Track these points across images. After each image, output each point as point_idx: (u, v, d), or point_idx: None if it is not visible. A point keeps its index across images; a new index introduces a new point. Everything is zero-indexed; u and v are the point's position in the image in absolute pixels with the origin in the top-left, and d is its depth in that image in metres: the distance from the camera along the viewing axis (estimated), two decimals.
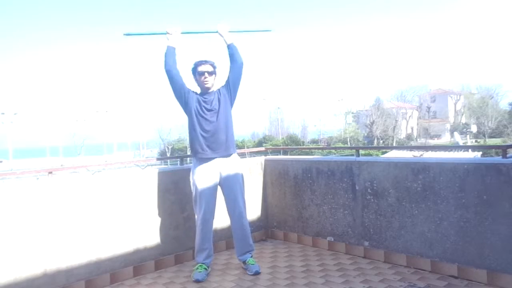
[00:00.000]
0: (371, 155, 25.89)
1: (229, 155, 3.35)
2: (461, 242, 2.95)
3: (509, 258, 2.73)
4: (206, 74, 3.31)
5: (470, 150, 18.62)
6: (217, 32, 3.42)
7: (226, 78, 3.41)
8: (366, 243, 3.51)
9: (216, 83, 3.40)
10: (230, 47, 3.39)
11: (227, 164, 3.34)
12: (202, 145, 3.26)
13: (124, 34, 3.32)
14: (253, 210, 4.20)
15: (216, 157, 3.29)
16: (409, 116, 58.73)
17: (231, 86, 3.39)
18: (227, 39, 3.40)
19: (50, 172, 3.15)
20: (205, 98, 3.33)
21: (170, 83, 3.32)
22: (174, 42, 3.34)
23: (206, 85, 3.33)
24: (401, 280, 2.97)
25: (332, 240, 3.77)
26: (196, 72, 3.35)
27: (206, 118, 3.27)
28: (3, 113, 50.57)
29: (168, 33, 3.34)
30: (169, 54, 3.31)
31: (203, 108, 3.29)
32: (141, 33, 3.48)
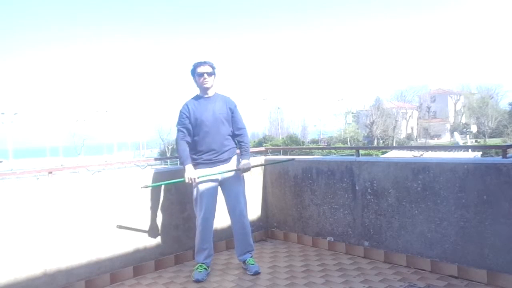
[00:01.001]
0: (371, 155, 25.89)
1: (228, 161, 3.37)
2: (461, 242, 2.95)
3: (509, 258, 2.73)
4: (206, 75, 3.33)
5: (470, 150, 18.60)
6: (239, 170, 3.36)
7: (236, 117, 3.43)
8: (366, 243, 3.51)
9: (215, 83, 3.41)
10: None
11: (227, 164, 3.35)
12: (202, 155, 3.30)
13: (141, 187, 3.29)
14: (253, 210, 4.20)
15: (217, 165, 3.32)
16: (409, 116, 58.75)
17: (232, 115, 3.43)
18: (246, 166, 3.37)
19: (50, 172, 3.15)
20: (205, 99, 3.34)
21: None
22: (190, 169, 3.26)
23: (206, 85, 3.35)
24: (401, 280, 2.97)
25: (332, 240, 3.77)
26: (195, 73, 3.37)
27: (207, 130, 3.29)
28: (3, 113, 50.64)
29: (185, 181, 3.23)
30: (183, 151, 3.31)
31: (205, 120, 3.30)
32: (158, 183, 3.40)
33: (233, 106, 3.42)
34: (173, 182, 3.35)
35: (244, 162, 3.35)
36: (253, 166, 3.51)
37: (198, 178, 3.23)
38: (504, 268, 2.75)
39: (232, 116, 3.40)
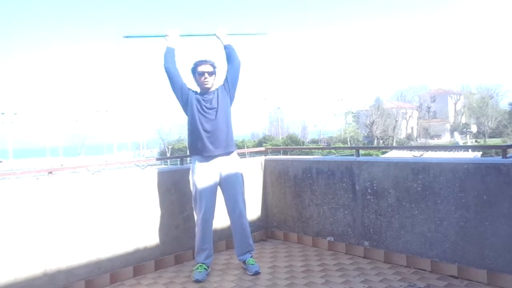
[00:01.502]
0: (371, 155, 25.89)
1: (229, 153, 3.35)
2: (461, 242, 2.95)
3: (509, 258, 2.73)
4: (206, 75, 3.31)
5: (470, 150, 18.61)
6: (214, 35, 3.45)
7: (224, 78, 3.43)
8: (366, 243, 3.51)
9: (215, 83, 3.40)
10: (227, 48, 3.42)
11: (227, 163, 3.35)
12: (203, 143, 3.27)
13: (123, 37, 3.38)
14: (253, 210, 4.20)
15: (217, 155, 3.29)
16: (409, 116, 58.74)
17: (230, 86, 3.41)
18: (224, 40, 3.42)
19: (50, 172, 3.15)
20: (204, 97, 3.33)
21: (170, 83, 3.33)
22: (173, 44, 3.36)
23: (206, 85, 3.34)
24: (401, 280, 2.97)
25: (332, 240, 3.77)
26: (196, 72, 3.35)
27: (206, 116, 3.28)
28: (3, 113, 50.65)
29: (167, 36, 3.37)
30: (168, 54, 3.33)
31: (203, 107, 3.29)
32: (140, 35, 3.53)
33: (224, 79, 3.44)
34: (155, 36, 3.46)
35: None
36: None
37: (178, 35, 3.38)
38: (504, 268, 2.75)
39: (225, 78, 3.43)
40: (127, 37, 3.40)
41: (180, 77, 3.33)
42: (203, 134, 3.26)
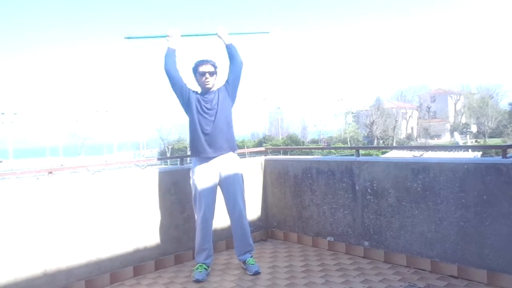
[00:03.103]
0: (371, 155, 25.88)
1: (229, 153, 3.35)
2: (461, 242, 2.95)
3: (509, 258, 2.73)
4: (207, 75, 3.31)
5: (470, 150, 18.62)
6: (216, 34, 3.42)
7: (226, 78, 3.42)
8: (366, 243, 3.51)
9: (216, 83, 3.40)
10: (229, 47, 3.40)
11: (227, 163, 3.34)
12: (203, 144, 3.26)
13: (124, 38, 3.37)
14: (253, 210, 4.20)
15: (217, 156, 3.29)
16: (409, 116, 58.73)
17: (231, 86, 3.39)
18: (226, 40, 3.40)
19: (50, 172, 3.15)
20: (205, 97, 3.33)
21: (170, 83, 3.32)
22: (174, 44, 3.35)
23: (207, 86, 3.33)
24: (401, 280, 2.97)
25: (332, 240, 3.77)
26: (197, 72, 3.35)
27: (207, 117, 3.27)
28: (3, 113, 50.64)
29: (168, 36, 3.36)
30: (169, 55, 3.32)
31: (204, 107, 3.29)
32: (141, 36, 3.53)
33: (226, 80, 3.42)
34: (156, 37, 3.45)
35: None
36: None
37: (179, 35, 3.35)
38: (504, 268, 2.75)
39: (227, 79, 3.41)
40: (128, 38, 3.40)
41: (180, 78, 3.33)
42: (202, 136, 3.27)
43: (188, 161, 3.92)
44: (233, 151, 3.41)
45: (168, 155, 43.58)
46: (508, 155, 2.96)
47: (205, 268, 3.27)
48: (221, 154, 3.30)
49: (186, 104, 3.33)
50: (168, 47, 3.34)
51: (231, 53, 3.39)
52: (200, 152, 3.28)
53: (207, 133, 3.27)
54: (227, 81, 3.41)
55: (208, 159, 3.30)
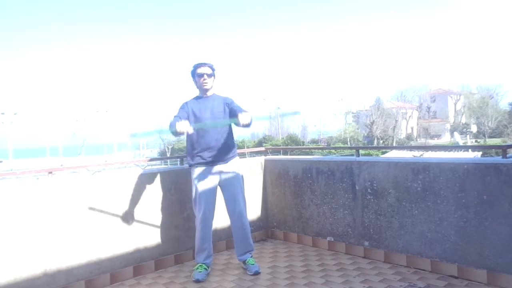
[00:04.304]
0: (371, 155, 25.88)
1: (228, 160, 3.36)
2: (461, 242, 2.95)
3: (509, 258, 2.73)
4: (205, 76, 3.35)
5: (470, 150, 18.62)
6: (235, 121, 3.06)
7: (233, 106, 3.32)
8: (366, 243, 3.51)
9: (214, 85, 3.42)
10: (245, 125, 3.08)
11: (226, 164, 3.35)
12: (198, 155, 3.29)
13: (130, 135, 3.05)
14: (253, 210, 4.20)
15: (216, 164, 3.31)
16: (409, 116, 58.75)
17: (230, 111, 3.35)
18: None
19: (50, 172, 3.15)
20: (203, 105, 3.33)
21: None
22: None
23: (205, 87, 3.37)
24: (401, 280, 2.97)
25: (332, 240, 3.77)
26: (195, 75, 3.39)
27: (204, 122, 3.28)
28: (3, 113, 50.61)
29: (178, 131, 3.01)
30: (174, 133, 3.08)
31: (202, 118, 3.30)
32: (147, 133, 3.29)
33: (230, 102, 3.39)
34: (164, 133, 3.16)
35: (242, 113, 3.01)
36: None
37: (191, 128, 3.04)
38: (504, 268, 2.75)
39: (231, 108, 3.33)
40: (133, 136, 3.08)
41: (181, 118, 3.19)
42: (197, 146, 3.29)
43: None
44: (233, 157, 3.41)
45: (168, 155, 43.59)
46: (508, 155, 2.96)
47: (205, 268, 3.27)
48: (220, 162, 3.32)
49: (192, 120, 3.30)
50: (176, 128, 3.00)
51: (245, 126, 3.10)
52: (198, 163, 3.30)
53: (201, 143, 3.29)
54: (233, 109, 3.28)
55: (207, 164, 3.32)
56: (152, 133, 3.65)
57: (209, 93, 3.40)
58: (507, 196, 2.73)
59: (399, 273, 3.12)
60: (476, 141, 46.92)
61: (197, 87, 3.43)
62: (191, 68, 3.42)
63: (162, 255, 3.52)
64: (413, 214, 3.19)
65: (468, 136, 47.89)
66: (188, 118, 3.26)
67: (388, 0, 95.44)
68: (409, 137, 54.76)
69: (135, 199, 3.38)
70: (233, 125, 3.39)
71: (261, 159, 4.42)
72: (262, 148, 4.97)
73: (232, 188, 3.36)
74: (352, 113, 56.53)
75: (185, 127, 3.01)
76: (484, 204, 2.83)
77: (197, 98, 3.43)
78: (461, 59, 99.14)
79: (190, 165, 3.38)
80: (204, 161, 3.30)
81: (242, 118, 2.98)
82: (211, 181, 3.31)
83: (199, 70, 3.36)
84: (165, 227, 3.55)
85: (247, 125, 3.06)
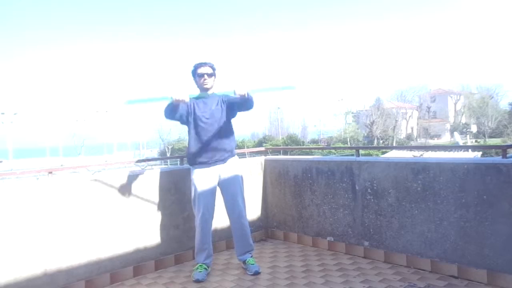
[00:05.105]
0: (371, 155, 25.87)
1: (227, 160, 3.36)
2: (461, 242, 2.95)
3: (509, 258, 2.73)
4: (206, 76, 3.35)
5: (470, 150, 18.61)
6: (233, 92, 3.08)
7: (232, 100, 3.33)
8: (366, 243, 3.51)
9: (215, 84, 3.42)
10: (245, 100, 3.19)
11: (226, 164, 3.35)
12: (200, 153, 3.29)
13: (125, 103, 3.01)
14: (253, 210, 4.20)
15: (215, 164, 3.31)
16: (409, 116, 58.73)
17: (233, 111, 3.39)
18: (244, 95, 3.09)
19: (50, 172, 3.15)
20: (202, 105, 3.33)
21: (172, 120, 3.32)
22: (178, 103, 3.11)
23: (206, 86, 3.37)
24: (401, 280, 2.97)
25: (332, 240, 3.77)
26: (196, 74, 3.38)
27: (202, 126, 3.29)
28: (3, 113, 50.55)
29: (173, 100, 3.03)
30: (170, 111, 3.18)
31: (202, 117, 3.30)
32: (143, 99, 3.13)
33: (226, 98, 3.38)
34: (159, 100, 3.13)
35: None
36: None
37: (187, 100, 3.04)
38: (504, 268, 2.75)
39: (230, 101, 3.34)
40: (129, 102, 3.03)
41: (179, 113, 3.25)
42: (197, 146, 3.29)
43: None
44: (232, 156, 3.41)
45: (168, 155, 43.58)
46: (508, 155, 2.97)
47: (205, 268, 3.27)
48: (219, 162, 3.32)
49: (186, 122, 3.34)
50: (172, 102, 3.07)
51: (245, 103, 3.23)
52: (198, 163, 3.31)
53: (201, 143, 3.29)
54: (232, 104, 3.34)
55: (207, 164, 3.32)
56: (149, 100, 3.42)
57: (209, 93, 3.40)
58: (507, 196, 2.73)
59: (399, 273, 3.12)
60: (476, 141, 46.91)
61: (198, 87, 3.43)
62: (192, 68, 3.42)
63: (162, 255, 3.52)
64: (413, 214, 3.19)
65: (468, 136, 47.90)
66: (187, 112, 3.29)
67: (388, 0, 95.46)
68: (409, 137, 54.74)
69: (135, 199, 3.38)
70: (233, 126, 3.44)
71: (261, 159, 4.42)
72: (262, 148, 4.98)
73: (232, 189, 3.36)
74: (352, 113, 56.47)
75: (181, 95, 3.01)
76: (484, 204, 2.83)
77: (195, 100, 3.41)
78: (461, 59, 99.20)
79: (190, 165, 3.38)
80: (203, 161, 3.30)
81: (238, 89, 3.04)
82: (210, 182, 3.31)
83: (200, 70, 3.36)
84: (165, 227, 3.55)
85: (247, 100, 3.16)
